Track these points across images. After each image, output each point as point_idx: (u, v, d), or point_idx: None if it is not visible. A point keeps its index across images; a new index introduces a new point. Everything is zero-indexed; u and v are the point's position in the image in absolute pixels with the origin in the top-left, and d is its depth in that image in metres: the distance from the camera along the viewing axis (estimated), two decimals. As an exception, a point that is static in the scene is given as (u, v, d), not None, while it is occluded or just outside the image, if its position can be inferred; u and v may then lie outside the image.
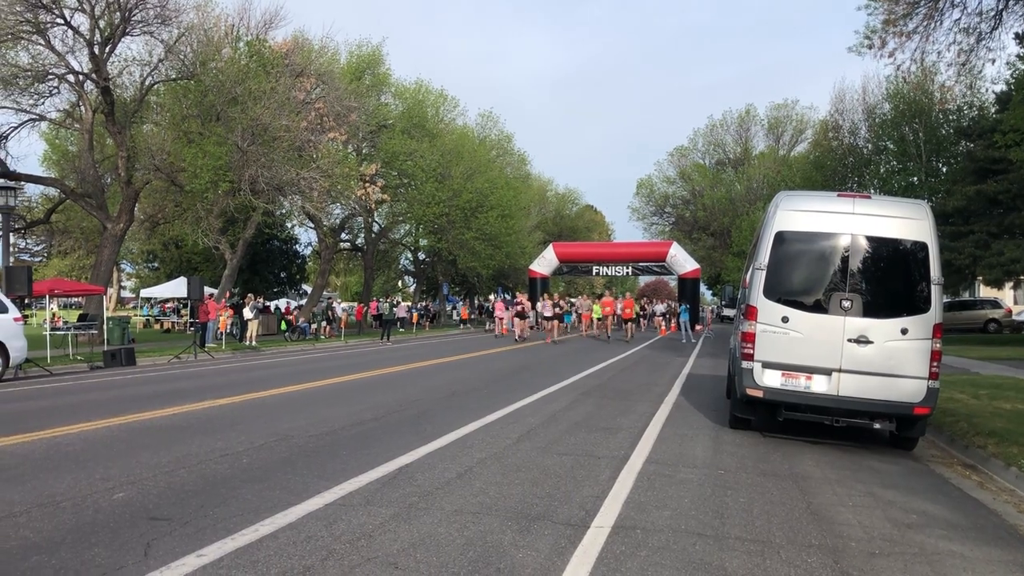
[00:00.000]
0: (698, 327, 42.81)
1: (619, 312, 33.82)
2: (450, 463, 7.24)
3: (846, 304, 8.76)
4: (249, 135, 30.46)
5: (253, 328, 30.34)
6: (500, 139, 61.95)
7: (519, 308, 31.97)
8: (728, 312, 54.70)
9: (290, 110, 31.96)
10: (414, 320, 49.38)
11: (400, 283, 75.24)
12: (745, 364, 9.09)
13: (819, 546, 5.22)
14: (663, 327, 43.37)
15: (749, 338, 9.09)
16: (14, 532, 5.02)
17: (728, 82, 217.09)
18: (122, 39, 30.37)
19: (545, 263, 51.28)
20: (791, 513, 6.00)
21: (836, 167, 46.05)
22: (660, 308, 46.25)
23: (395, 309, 39.21)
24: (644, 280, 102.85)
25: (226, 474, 6.79)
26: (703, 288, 69.73)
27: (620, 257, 52.78)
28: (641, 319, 46.02)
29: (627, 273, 54.48)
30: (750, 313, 9.18)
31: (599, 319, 33.87)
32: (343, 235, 52.19)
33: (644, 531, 5.30)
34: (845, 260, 8.88)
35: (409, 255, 63.12)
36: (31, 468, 7.11)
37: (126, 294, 71.51)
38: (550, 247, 52.64)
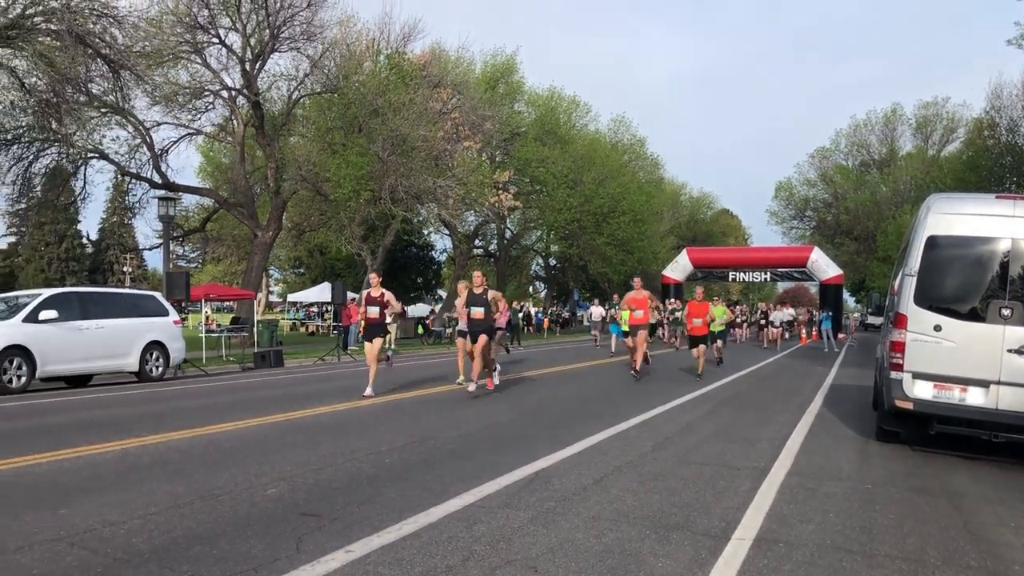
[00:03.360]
0: (841, 335, 41.17)
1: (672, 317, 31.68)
2: (585, 469, 7.26)
3: (1006, 313, 8.24)
4: (389, 145, 31.42)
5: (392, 332, 31.22)
6: (632, 143, 61.51)
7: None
8: (874, 320, 52.28)
9: (427, 120, 32.74)
10: (545, 325, 49.64)
11: (531, 289, 75.79)
12: (894, 375, 8.70)
13: (978, 568, 4.94)
14: (803, 335, 41.77)
15: (898, 347, 8.69)
16: (179, 522, 5.37)
17: (872, 80, 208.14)
18: (271, 55, 31.99)
19: (679, 269, 50.54)
20: (946, 532, 5.70)
21: (992, 167, 43.40)
22: (782, 315, 37.43)
23: (519, 315, 39.43)
24: (782, 286, 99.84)
25: (370, 473, 7.04)
26: (846, 295, 67.01)
27: (757, 262, 51.39)
28: (737, 328, 39.45)
29: (765, 279, 53.01)
30: (899, 321, 8.77)
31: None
32: (476, 241, 53.04)
33: (788, 545, 5.16)
34: (1004, 266, 8.36)
35: (540, 261, 63.54)
36: (192, 463, 7.57)
37: (274, 298, 75.06)
38: (684, 252, 51.83)
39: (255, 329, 28.99)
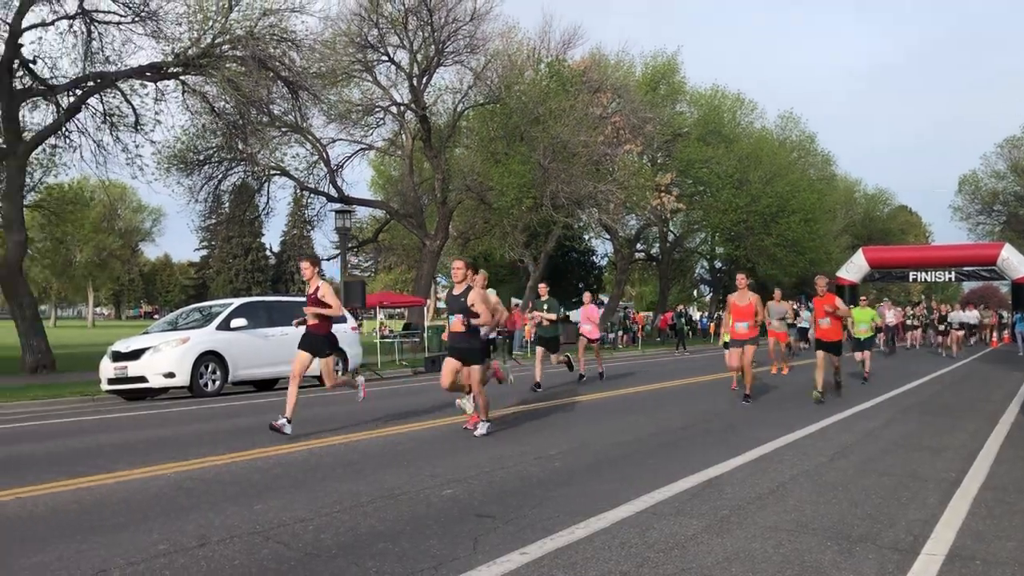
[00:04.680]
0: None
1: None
2: (760, 477, 7.05)
3: None
4: (550, 152, 31.71)
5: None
6: (801, 140, 59.21)
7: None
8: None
9: (588, 126, 32.83)
10: (711, 330, 48.58)
11: (696, 292, 74.36)
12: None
13: None
14: (993, 339, 38.72)
15: None
16: (363, 520, 5.63)
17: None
18: (437, 70, 33.03)
19: (854, 269, 48.17)
20: None
21: None
22: (962, 316, 30.92)
23: (682, 319, 38.70)
24: (968, 287, 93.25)
25: (539, 476, 7.13)
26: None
27: (940, 261, 48.16)
28: (910, 331, 34.22)
29: (949, 279, 49.69)
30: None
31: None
32: (638, 245, 52.60)
33: (984, 562, 4.82)
34: None
35: (705, 264, 62.23)
36: (371, 463, 7.92)
37: (441, 305, 77.19)
38: (859, 252, 49.34)
39: (425, 335, 29.96)
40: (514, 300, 39.63)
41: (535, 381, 15.16)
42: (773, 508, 5.96)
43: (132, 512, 5.99)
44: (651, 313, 59.20)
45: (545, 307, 15.92)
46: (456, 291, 9.71)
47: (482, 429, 9.60)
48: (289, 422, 9.49)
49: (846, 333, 14.76)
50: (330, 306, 9.98)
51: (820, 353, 13.22)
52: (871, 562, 4.72)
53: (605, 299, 56.50)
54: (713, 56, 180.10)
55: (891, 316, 28.97)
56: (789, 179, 48.54)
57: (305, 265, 10.29)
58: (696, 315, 57.83)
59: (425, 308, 37.17)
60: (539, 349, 15.92)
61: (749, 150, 47.77)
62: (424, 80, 33.21)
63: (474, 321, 9.47)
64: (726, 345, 14.96)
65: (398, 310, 54.45)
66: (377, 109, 34.44)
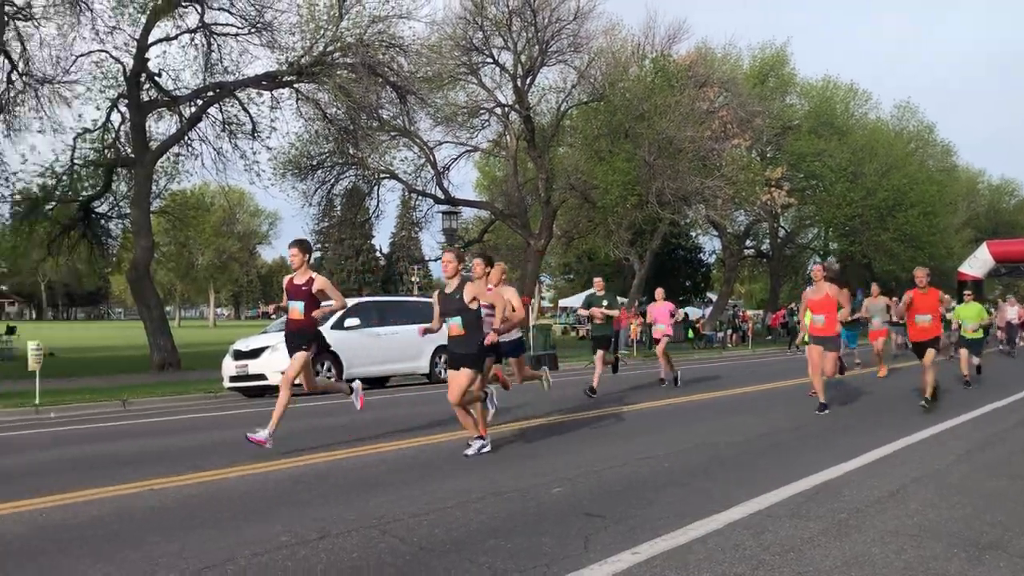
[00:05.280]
0: None
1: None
2: (878, 480, 6.82)
3: None
4: (655, 149, 31.40)
5: (662, 336, 31.14)
6: (919, 130, 56.73)
7: None
8: None
9: (694, 121, 32.36)
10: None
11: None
12: None
13: None
14: None
15: None
16: (474, 516, 5.72)
17: None
18: (540, 70, 33.13)
19: (978, 264, 45.89)
20: None
21: None
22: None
23: (793, 317, 37.61)
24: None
25: (647, 476, 7.09)
26: None
27: (1074, 254, 45.42)
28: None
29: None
30: None
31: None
32: (747, 241, 51.51)
33: None
34: None
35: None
36: (481, 460, 8.04)
37: (546, 304, 77.48)
38: (983, 246, 46.96)
39: (530, 334, 30.09)
40: (620, 299, 39.42)
41: (590, 385, 13.93)
42: (893, 512, 5.76)
43: (255, 504, 6.26)
44: (761, 311, 57.83)
45: (604, 303, 14.52)
46: (449, 289, 8.19)
47: (476, 447, 8.19)
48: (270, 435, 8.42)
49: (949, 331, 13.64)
50: (333, 300, 8.85)
51: (929, 353, 11.97)
52: (1002, 571, 4.52)
53: (713, 297, 55.54)
54: (824, 46, 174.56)
55: (1013, 313, 27.12)
56: (906, 171, 46.58)
57: (293, 252, 8.75)
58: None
59: (530, 307, 37.32)
60: (599, 352, 14.53)
61: (863, 142, 46.07)
62: (528, 80, 33.37)
63: (500, 326, 8.32)
64: (805, 344, 13.05)
65: (504, 309, 54.77)
66: (482, 111, 34.81)
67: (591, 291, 15.36)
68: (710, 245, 55.01)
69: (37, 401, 14.58)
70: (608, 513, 5.73)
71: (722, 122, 36.05)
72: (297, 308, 8.67)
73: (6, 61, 22.94)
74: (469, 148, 37.16)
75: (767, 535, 5.12)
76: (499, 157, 41.27)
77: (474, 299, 7.99)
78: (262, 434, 8.35)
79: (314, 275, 8.76)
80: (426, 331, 8.63)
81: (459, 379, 7.94)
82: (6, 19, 22.03)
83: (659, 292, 17.13)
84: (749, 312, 56.09)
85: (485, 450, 8.25)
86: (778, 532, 5.19)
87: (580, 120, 35.98)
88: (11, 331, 35.56)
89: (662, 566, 4.50)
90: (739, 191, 34.46)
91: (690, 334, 38.71)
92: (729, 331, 41.72)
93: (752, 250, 53.61)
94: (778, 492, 6.32)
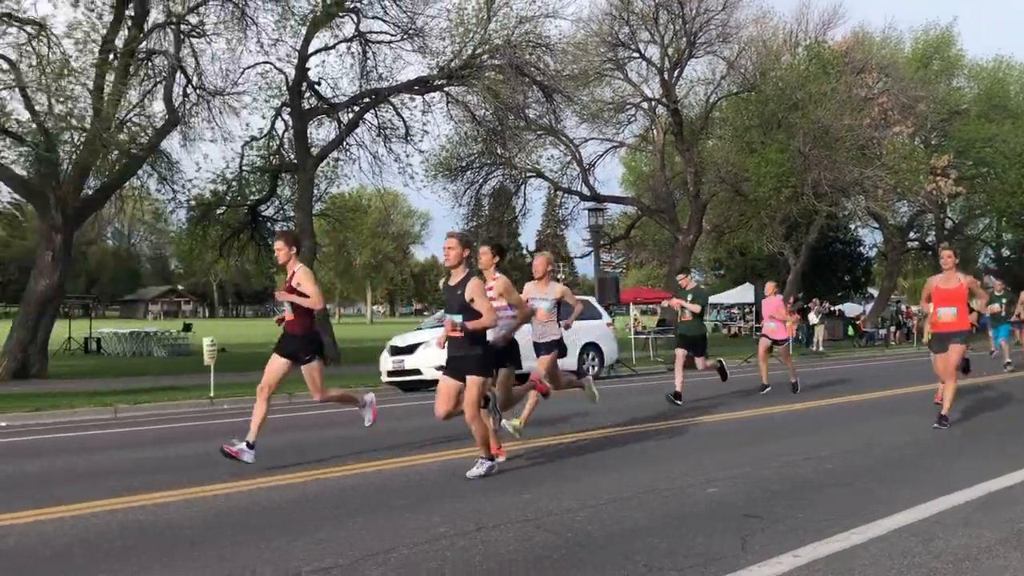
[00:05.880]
0: None
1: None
2: (1064, 489, 6.35)
3: None
4: (810, 139, 30.31)
5: (819, 333, 30.06)
6: (1111, 110, 51.93)
7: None
8: None
9: (852, 108, 31.02)
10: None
11: (980, 284, 67.67)
12: None
13: None
14: None
15: None
16: (628, 514, 5.73)
17: None
18: (688, 62, 32.60)
19: None
20: None
21: None
22: None
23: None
24: None
25: (809, 477, 6.88)
26: None
27: None
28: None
29: None
30: None
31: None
32: (911, 233, 48.86)
33: None
34: None
35: (990, 252, 56.56)
36: (632, 457, 8.04)
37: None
38: None
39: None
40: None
41: (674, 391, 12.38)
42: (1083, 524, 5.35)
43: (414, 495, 6.49)
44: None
45: (689, 298, 12.82)
46: (452, 280, 7.06)
47: (479, 469, 7.06)
48: (251, 446, 7.44)
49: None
50: (307, 295, 7.67)
51: None
52: None
53: (875, 292, 52.97)
54: (995, 25, 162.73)
55: None
56: (1094, 155, 42.82)
57: (279, 245, 7.81)
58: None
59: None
60: (679, 352, 12.98)
61: (1043, 124, 42.69)
62: (675, 73, 32.93)
63: (473, 325, 6.84)
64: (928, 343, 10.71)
65: (651, 306, 54.31)
66: (628, 106, 34.61)
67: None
68: (870, 238, 52.50)
69: (212, 394, 15.58)
70: (766, 514, 5.61)
71: (882, 109, 34.36)
72: (288, 309, 7.69)
73: (182, 76, 24.63)
74: (615, 144, 37.05)
75: (937, 543, 4.87)
76: (646, 152, 40.91)
77: (472, 300, 6.85)
78: (240, 445, 7.42)
79: (297, 268, 7.70)
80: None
81: (468, 391, 6.85)
82: (182, 37, 23.64)
83: (769, 286, 14.84)
84: (913, 308, 53.17)
85: (492, 471, 7.14)
86: (949, 540, 4.92)
87: (730, 111, 35.14)
88: (187, 328, 38.18)
89: (824, 570, 4.37)
90: (901, 181, 32.73)
91: (850, 331, 37.10)
92: (892, 328, 39.69)
93: (916, 242, 50.72)
94: (947, 498, 6.00)
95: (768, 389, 13.88)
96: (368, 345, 32.14)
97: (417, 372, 17.22)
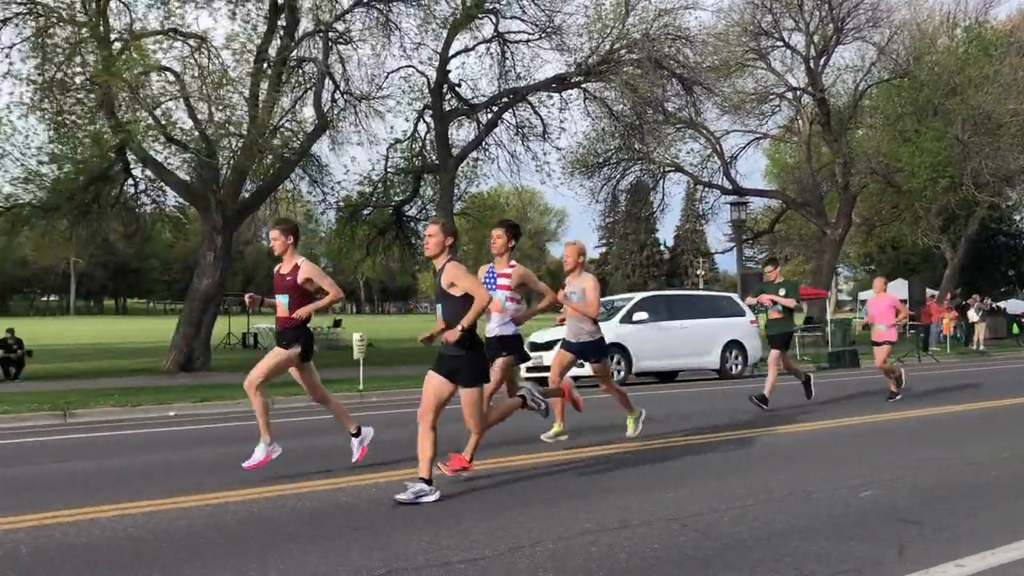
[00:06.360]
0: None
1: None
2: None
3: None
4: (970, 126, 28.67)
5: (979, 332, 28.33)
6: None
7: None
8: None
9: (1018, 92, 29.10)
10: None
11: None
12: None
13: None
14: None
15: None
16: (776, 515, 5.59)
17: None
18: (835, 49, 31.39)
19: None
20: None
21: None
22: None
23: None
24: None
25: (973, 483, 6.53)
26: None
27: None
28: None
29: None
30: None
31: None
32: (1090, 225, 45.40)
33: None
34: None
35: None
36: (777, 458, 7.82)
37: (843, 297, 73.16)
38: None
39: (827, 328, 28.62)
40: (928, 291, 36.27)
41: (761, 393, 11.44)
42: None
43: (557, 491, 6.54)
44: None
45: (782, 292, 11.70)
46: (440, 266, 6.36)
47: (414, 491, 6.07)
48: (269, 443, 7.09)
49: None
50: (327, 292, 7.18)
51: None
52: None
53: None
54: None
55: None
56: None
57: (275, 235, 7.32)
58: None
59: (827, 300, 35.47)
60: (773, 353, 11.79)
61: None
62: (822, 61, 31.77)
63: (467, 319, 6.12)
64: None
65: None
66: (771, 96, 33.66)
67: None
68: (1039, 230, 49.10)
69: (360, 387, 16.20)
70: (927, 520, 5.35)
71: (1053, 91, 32.01)
72: (283, 302, 7.13)
73: (330, 82, 25.68)
74: (758, 135, 36.10)
75: (1122, 559, 4.52)
76: (790, 143, 39.65)
77: (452, 285, 6.19)
78: (258, 452, 7.08)
79: (300, 261, 7.19)
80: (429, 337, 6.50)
81: (465, 403, 6.34)
82: (330, 44, 24.66)
83: (878, 282, 13.21)
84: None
85: (425, 499, 6.06)
86: None
87: (881, 99, 33.59)
88: (337, 324, 39.82)
89: (992, 582, 4.14)
90: (1074, 168, 30.44)
91: (1015, 329, 34.75)
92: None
93: (1092, 234, 47.04)
94: None
95: (898, 397, 12.45)
96: (507, 341, 32.56)
97: (556, 369, 17.34)
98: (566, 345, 8.56)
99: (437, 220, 6.65)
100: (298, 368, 7.17)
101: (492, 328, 7.45)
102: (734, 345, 18.80)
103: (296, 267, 7.12)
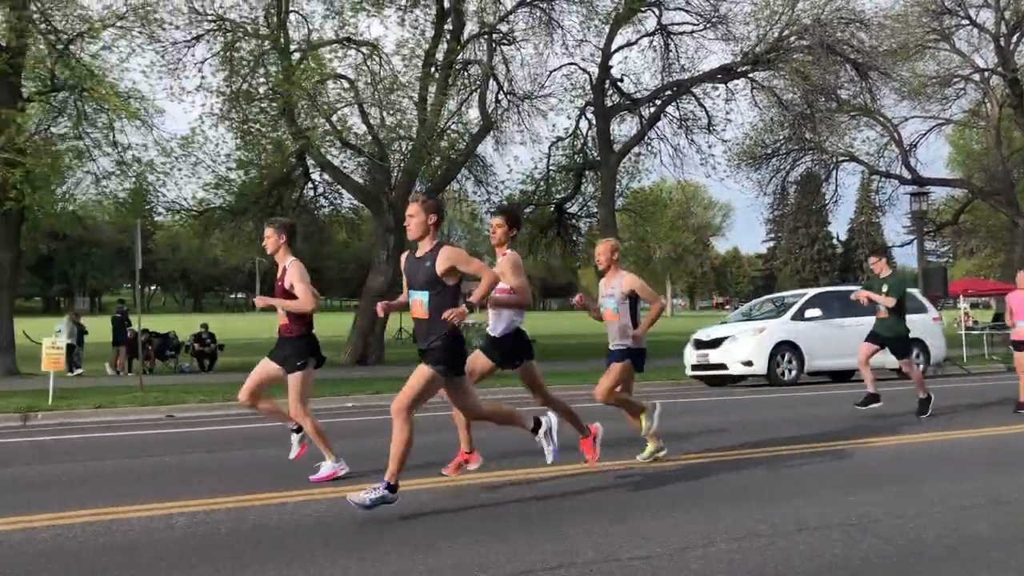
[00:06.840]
0: None
1: None
2: None
3: None
4: None
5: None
6: None
7: None
8: None
9: None
10: None
11: None
12: None
13: None
14: None
15: None
16: (967, 524, 5.26)
17: None
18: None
19: None
20: None
21: None
22: None
23: None
24: None
25: None
26: None
27: None
28: None
29: None
30: None
31: None
32: None
33: None
34: None
35: None
36: (976, 463, 7.35)
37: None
38: None
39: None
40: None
41: (868, 393, 10.64)
42: None
43: (730, 491, 6.42)
44: None
45: (884, 288, 10.56)
46: (419, 252, 5.83)
47: (372, 496, 5.43)
48: (337, 458, 6.93)
49: None
50: (296, 298, 6.67)
51: None
52: None
53: None
54: None
55: None
56: None
57: (268, 233, 6.88)
58: None
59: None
60: (864, 347, 10.87)
61: None
62: (1014, 39, 29.43)
63: (478, 294, 5.80)
64: None
65: (984, 299, 49.05)
66: (956, 79, 31.50)
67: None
68: None
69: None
70: None
71: None
72: (281, 311, 6.83)
73: (494, 83, 26.21)
74: (940, 121, 33.88)
75: None
76: (977, 128, 36.98)
77: (452, 269, 5.60)
78: (325, 468, 6.89)
79: (289, 263, 6.75)
80: (386, 307, 6.09)
81: (466, 399, 6.00)
82: (494, 46, 25.15)
83: (1022, 275, 11.17)
84: None
85: (373, 497, 5.45)
86: None
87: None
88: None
89: None
90: None
91: None
92: None
93: None
94: None
95: None
96: (668, 339, 32.14)
97: (722, 367, 17.00)
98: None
99: (417, 197, 5.99)
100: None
101: (496, 328, 6.92)
102: (915, 343, 17.75)
103: (284, 270, 6.76)
